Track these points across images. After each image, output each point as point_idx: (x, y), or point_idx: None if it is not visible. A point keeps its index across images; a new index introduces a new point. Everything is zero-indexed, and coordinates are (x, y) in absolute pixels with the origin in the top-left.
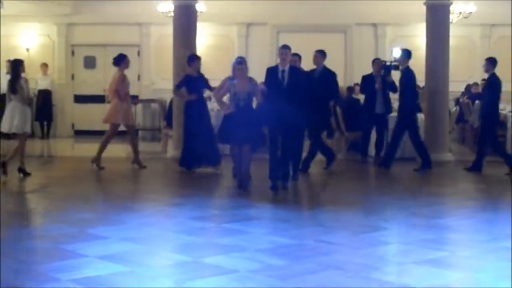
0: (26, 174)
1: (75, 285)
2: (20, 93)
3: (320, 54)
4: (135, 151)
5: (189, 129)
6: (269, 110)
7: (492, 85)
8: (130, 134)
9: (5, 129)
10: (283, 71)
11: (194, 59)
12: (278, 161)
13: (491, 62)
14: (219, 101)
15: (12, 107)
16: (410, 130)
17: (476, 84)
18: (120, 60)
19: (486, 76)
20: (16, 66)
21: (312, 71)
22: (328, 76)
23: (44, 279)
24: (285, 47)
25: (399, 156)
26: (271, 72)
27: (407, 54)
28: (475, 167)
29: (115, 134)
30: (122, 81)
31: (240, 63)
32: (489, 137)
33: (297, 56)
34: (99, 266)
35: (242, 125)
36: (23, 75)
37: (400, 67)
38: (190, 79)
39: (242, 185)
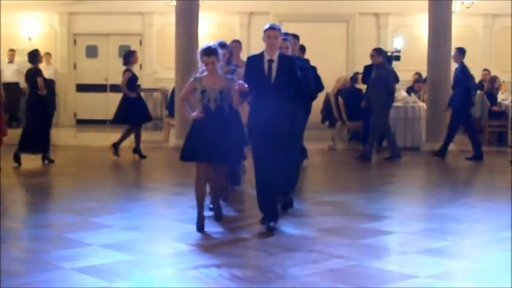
0: None
1: (79, 273)
2: None
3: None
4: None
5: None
6: (250, 116)
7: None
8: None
9: None
10: (270, 61)
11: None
12: (266, 190)
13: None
14: (182, 104)
15: None
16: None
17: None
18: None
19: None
20: None
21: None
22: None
23: (49, 267)
24: (273, 28)
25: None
26: (254, 62)
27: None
28: None
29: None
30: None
31: (209, 54)
32: None
33: (288, 41)
34: (103, 255)
35: (213, 136)
36: None
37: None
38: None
39: (216, 215)
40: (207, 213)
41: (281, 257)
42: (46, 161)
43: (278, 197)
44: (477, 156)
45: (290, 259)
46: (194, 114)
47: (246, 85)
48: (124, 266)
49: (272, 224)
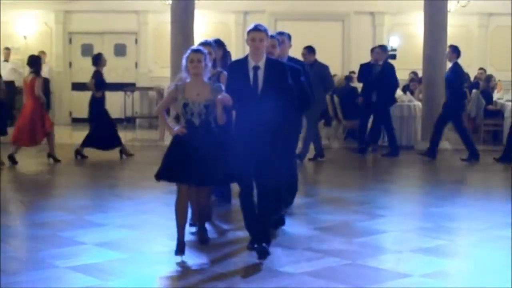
0: None
1: (73, 272)
2: None
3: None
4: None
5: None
6: (235, 132)
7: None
8: None
9: None
10: (256, 68)
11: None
12: (256, 213)
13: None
14: (160, 115)
15: None
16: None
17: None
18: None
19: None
20: None
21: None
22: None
23: (42, 266)
24: (258, 29)
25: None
26: (237, 69)
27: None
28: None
29: None
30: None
31: (197, 51)
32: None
33: (277, 39)
34: (97, 253)
35: (196, 156)
36: None
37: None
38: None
39: (201, 238)
40: (190, 228)
41: (276, 255)
42: (124, 156)
43: (269, 218)
44: (393, 153)
45: (284, 257)
46: (175, 129)
47: (229, 98)
48: (118, 264)
49: (264, 246)
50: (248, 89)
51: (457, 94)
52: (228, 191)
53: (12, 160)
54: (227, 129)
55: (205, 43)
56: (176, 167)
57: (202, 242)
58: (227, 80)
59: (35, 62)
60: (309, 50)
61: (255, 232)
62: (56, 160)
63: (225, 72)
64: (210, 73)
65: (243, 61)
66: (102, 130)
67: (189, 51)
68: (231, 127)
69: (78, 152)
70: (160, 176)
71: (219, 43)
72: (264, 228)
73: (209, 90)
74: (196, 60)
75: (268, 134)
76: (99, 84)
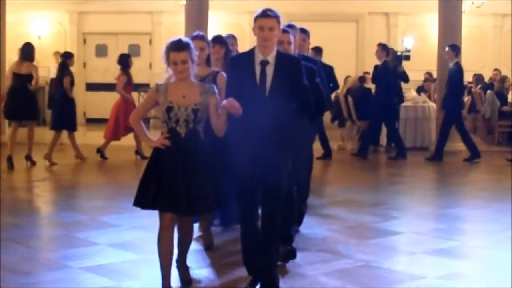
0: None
1: (86, 272)
2: None
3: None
4: None
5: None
6: (234, 142)
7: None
8: None
9: None
10: (264, 63)
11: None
12: (259, 240)
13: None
14: (135, 123)
15: None
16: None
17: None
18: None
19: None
20: None
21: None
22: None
23: (56, 266)
24: (267, 14)
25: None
26: (240, 64)
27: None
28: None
29: None
30: None
31: (179, 48)
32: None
33: (290, 33)
34: (111, 254)
35: (182, 176)
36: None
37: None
38: None
39: (183, 278)
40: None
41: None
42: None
43: (275, 246)
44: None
45: (299, 258)
46: (156, 140)
47: (238, 105)
48: (132, 265)
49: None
50: (253, 88)
51: (388, 92)
52: (228, 214)
53: (101, 154)
54: (221, 142)
55: (196, 37)
56: (156, 190)
57: (184, 283)
58: (228, 79)
59: (122, 59)
60: (317, 50)
61: (255, 270)
62: (143, 157)
63: (223, 73)
64: (203, 71)
65: (249, 54)
66: None
67: (167, 47)
68: (227, 140)
69: None
70: (138, 202)
71: (217, 40)
72: (270, 260)
73: (198, 91)
74: (180, 62)
75: (277, 144)
76: None
